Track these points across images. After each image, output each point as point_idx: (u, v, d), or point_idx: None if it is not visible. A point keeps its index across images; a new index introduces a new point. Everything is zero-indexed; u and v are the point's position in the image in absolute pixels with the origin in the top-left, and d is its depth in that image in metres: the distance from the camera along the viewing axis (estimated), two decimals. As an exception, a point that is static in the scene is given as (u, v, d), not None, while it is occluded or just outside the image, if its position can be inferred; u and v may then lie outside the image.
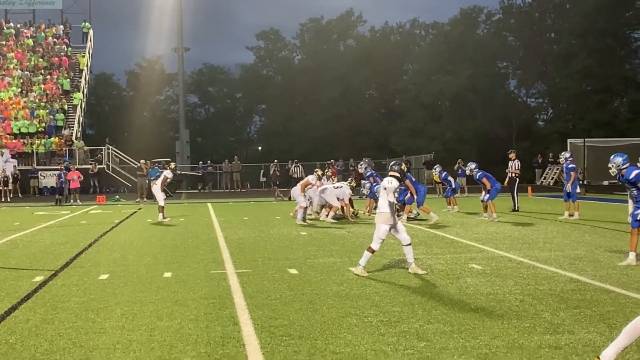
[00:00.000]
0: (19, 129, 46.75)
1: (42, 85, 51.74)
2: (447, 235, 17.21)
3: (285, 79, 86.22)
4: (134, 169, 43.42)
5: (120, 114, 79.84)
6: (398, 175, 11.78)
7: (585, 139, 46.05)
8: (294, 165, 41.36)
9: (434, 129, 72.61)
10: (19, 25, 59.92)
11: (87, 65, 57.14)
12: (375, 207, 12.97)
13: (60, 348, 7.08)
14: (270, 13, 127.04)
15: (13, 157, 43.78)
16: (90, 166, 43.85)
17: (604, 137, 51.69)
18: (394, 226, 11.40)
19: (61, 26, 60.77)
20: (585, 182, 39.95)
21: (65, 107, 50.51)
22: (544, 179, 49.30)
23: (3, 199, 38.78)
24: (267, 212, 26.79)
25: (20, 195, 41.46)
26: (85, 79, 55.99)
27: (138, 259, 13.55)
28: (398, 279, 10.85)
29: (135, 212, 28.64)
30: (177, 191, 45.33)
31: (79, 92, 53.04)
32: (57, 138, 46.57)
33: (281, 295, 9.61)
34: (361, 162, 24.86)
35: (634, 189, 12.05)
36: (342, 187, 22.90)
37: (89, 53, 58.75)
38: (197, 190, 49.38)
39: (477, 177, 22.79)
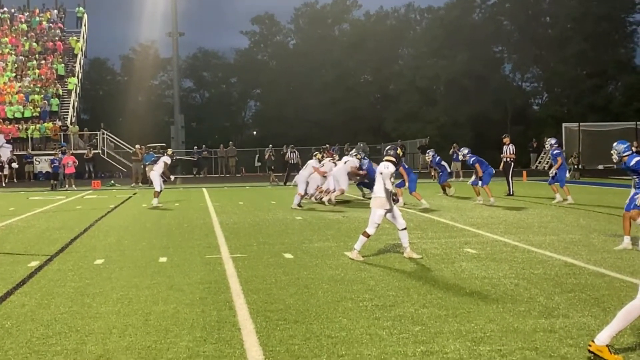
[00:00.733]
0: (14, 114, 46.62)
1: (37, 70, 51.59)
2: (441, 219, 17.23)
3: (280, 63, 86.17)
4: (129, 154, 43.39)
5: (115, 99, 79.79)
6: (394, 159, 11.61)
7: (580, 123, 46.13)
8: (289, 150, 41.21)
9: (429, 113, 72.61)
10: (13, 10, 59.68)
11: (81, 50, 56.94)
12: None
13: (56, 333, 7.09)
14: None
15: (8, 142, 43.69)
16: (85, 151, 43.78)
17: (598, 122, 51.79)
18: (390, 210, 11.41)
19: (55, 11, 60.53)
20: (580, 167, 40.02)
21: (60, 92, 50.34)
22: (539, 163, 49.34)
23: (-1, 184, 38.74)
24: (262, 197, 26.81)
25: (15, 180, 41.40)
26: (79, 64, 55.80)
27: (133, 244, 13.56)
28: (393, 263, 10.87)
29: (130, 197, 28.64)
30: (172, 177, 45.27)
31: (73, 77, 52.86)
32: (51, 123, 46.47)
33: (276, 280, 9.63)
34: (353, 150, 24.67)
35: (635, 176, 12.04)
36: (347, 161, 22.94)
37: (83, 38, 58.53)
38: (192, 175, 49.32)
39: (470, 163, 22.81)
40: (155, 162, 38.05)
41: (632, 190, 12.15)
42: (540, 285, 9.01)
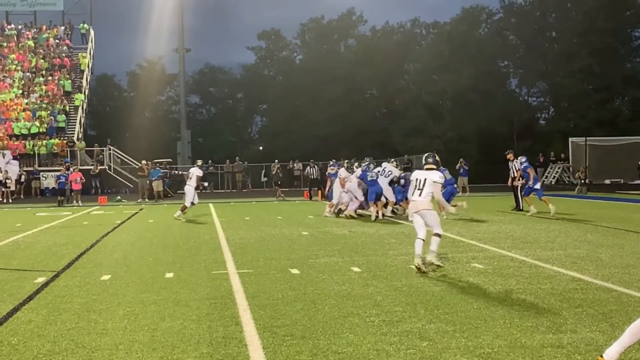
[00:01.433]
0: (20, 130, 46.77)
1: (44, 87, 51.83)
2: (448, 234, 17.19)
3: (286, 79, 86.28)
4: (135, 170, 43.44)
5: (122, 115, 79.91)
6: (435, 167, 12.26)
7: (587, 138, 46.06)
8: (310, 166, 41.09)
9: (435, 128, 72.60)
10: (20, 27, 60.07)
11: (88, 66, 57.24)
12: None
13: (63, 349, 7.08)
14: (271, 13, 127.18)
15: (15, 158, 43.84)
16: (91, 167, 43.90)
17: (605, 136, 51.75)
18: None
19: (62, 27, 60.86)
20: (587, 181, 39.97)
21: (67, 108, 50.56)
22: (546, 177, 49.27)
23: (5, 200, 38.83)
24: (268, 212, 26.80)
25: (22, 196, 41.53)
26: (86, 80, 56.09)
27: (140, 260, 13.55)
28: (400, 278, 10.84)
29: (136, 212, 28.65)
30: (178, 191, 45.36)
31: (80, 93, 53.10)
32: (58, 139, 46.61)
33: (283, 295, 9.61)
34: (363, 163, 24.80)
35: None
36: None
37: (90, 54, 58.82)
38: (199, 191, 49.34)
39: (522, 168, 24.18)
40: (162, 177, 38.31)
41: None
42: (548, 301, 8.98)
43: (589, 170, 43.35)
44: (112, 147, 48.09)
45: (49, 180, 43.28)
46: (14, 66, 53.83)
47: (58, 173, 37.44)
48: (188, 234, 18.79)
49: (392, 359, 6.52)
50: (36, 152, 45.39)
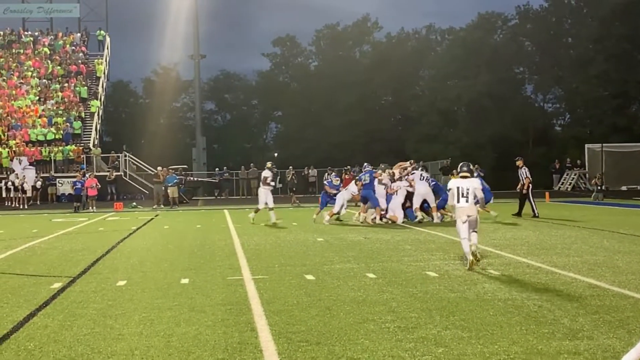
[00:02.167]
0: (37, 137, 47.01)
1: (60, 93, 52.08)
2: (464, 240, 17.13)
3: (301, 85, 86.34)
4: (150, 176, 43.57)
5: (137, 121, 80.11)
6: (469, 175, 13.40)
7: (603, 144, 45.89)
8: (327, 173, 41.06)
9: (450, 135, 72.49)
10: (36, 34, 60.44)
11: (104, 73, 57.52)
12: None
13: (79, 354, 7.10)
14: (286, 19, 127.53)
15: (31, 164, 44.06)
16: (107, 173, 44.07)
17: (622, 142, 51.53)
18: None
19: (78, 34, 61.19)
20: (603, 188, 39.81)
21: (83, 114, 50.79)
22: (562, 184, 49.11)
23: (21, 206, 39.03)
24: (283, 219, 26.79)
25: (38, 202, 41.74)
26: (102, 87, 56.36)
27: (155, 266, 13.58)
28: (415, 285, 10.81)
29: (152, 218, 28.71)
30: (193, 198, 45.46)
31: (96, 99, 53.35)
32: (74, 146, 46.83)
33: (298, 301, 9.60)
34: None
35: None
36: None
37: (105, 61, 59.10)
38: (214, 197, 49.46)
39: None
40: (177, 183, 38.41)
41: None
42: (564, 307, 8.93)
43: (605, 177, 43.16)
44: (127, 154, 48.27)
45: (65, 187, 43.46)
46: (30, 73, 54.14)
47: (74, 179, 37.59)
48: (203, 240, 18.81)
49: (408, 365, 6.51)
50: (52, 158, 45.61)
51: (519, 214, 25.26)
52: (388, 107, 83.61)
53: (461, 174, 13.44)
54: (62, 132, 47.57)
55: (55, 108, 50.35)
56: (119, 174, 45.75)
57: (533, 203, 25.56)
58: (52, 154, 45.68)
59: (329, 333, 7.78)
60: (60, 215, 32.06)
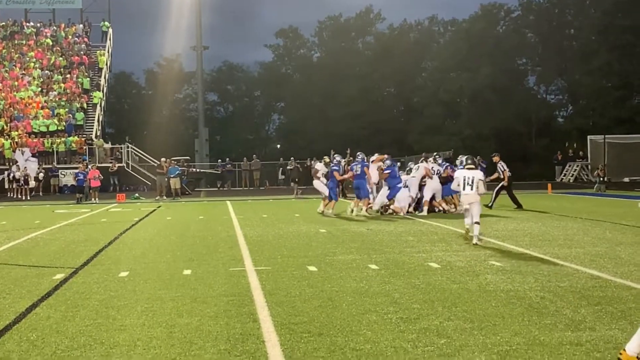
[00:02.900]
0: (39, 128, 47.00)
1: (62, 84, 52.05)
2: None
3: (303, 76, 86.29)
4: (153, 167, 43.56)
5: (140, 113, 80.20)
6: (474, 166, 15.81)
7: (606, 136, 45.83)
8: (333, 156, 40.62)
9: (453, 126, 72.45)
10: (39, 25, 60.38)
11: (106, 64, 57.48)
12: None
13: (81, 345, 7.11)
14: (288, 11, 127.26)
15: (34, 155, 44.07)
16: (109, 164, 44.09)
17: (624, 134, 51.47)
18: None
19: (81, 25, 61.13)
20: (605, 179, 39.77)
21: (85, 105, 50.79)
22: (564, 175, 49.06)
23: (24, 198, 39.06)
24: (286, 210, 26.82)
25: (41, 193, 41.75)
26: (104, 78, 56.32)
27: (158, 257, 13.59)
28: (417, 276, 10.81)
29: (154, 210, 28.72)
30: (196, 189, 45.48)
31: (98, 91, 53.34)
32: (77, 137, 46.83)
33: (300, 293, 9.60)
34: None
35: None
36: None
37: (108, 52, 59.07)
38: (216, 188, 49.48)
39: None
40: (180, 175, 38.41)
41: None
42: (567, 298, 8.93)
43: (607, 168, 43.10)
44: (130, 145, 48.28)
45: (67, 178, 43.43)
46: (32, 64, 54.11)
47: (76, 170, 37.57)
48: (206, 231, 18.83)
49: (410, 356, 6.51)
50: (55, 149, 45.60)
51: (519, 206, 25.22)
52: (391, 98, 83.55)
53: (467, 166, 15.84)
54: (64, 123, 47.55)
55: (57, 99, 50.32)
56: (121, 165, 45.75)
57: (497, 195, 25.68)
58: (55, 145, 45.67)
59: (331, 324, 7.79)
60: (63, 206, 32.07)
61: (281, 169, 51.10)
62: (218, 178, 51.30)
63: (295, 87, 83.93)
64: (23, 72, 53.13)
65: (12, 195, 40.13)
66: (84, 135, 47.79)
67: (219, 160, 53.31)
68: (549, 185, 38.29)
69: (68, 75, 53.38)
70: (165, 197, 36.74)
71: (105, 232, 18.89)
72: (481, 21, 74.54)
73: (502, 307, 8.48)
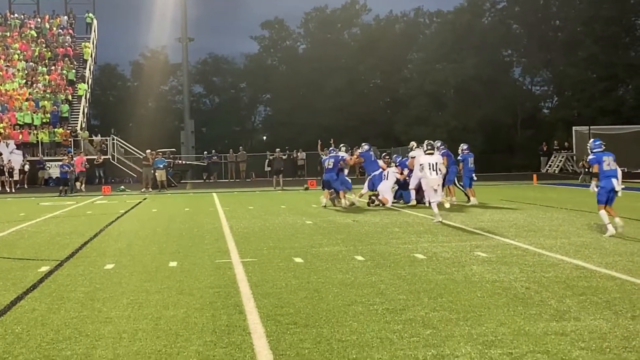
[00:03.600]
0: (24, 120, 46.78)
1: (47, 76, 51.79)
2: (452, 223, 17.19)
3: (289, 68, 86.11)
4: (139, 159, 43.49)
5: (125, 105, 79.86)
6: (433, 152, 18.18)
7: (591, 127, 46.01)
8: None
9: (439, 118, 72.40)
10: (23, 16, 59.99)
11: (91, 56, 57.23)
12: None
13: (67, 337, 7.09)
14: (274, 2, 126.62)
15: (18, 147, 43.88)
16: (95, 157, 43.95)
17: (609, 125, 51.67)
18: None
19: (65, 17, 60.84)
20: (590, 170, 39.87)
21: (70, 97, 50.57)
22: (549, 166, 49.26)
23: (9, 190, 38.89)
24: (272, 202, 26.81)
25: (26, 186, 41.58)
26: (89, 70, 56.09)
27: (144, 249, 13.57)
28: (403, 267, 10.83)
29: (140, 202, 28.67)
30: (182, 181, 45.41)
31: (83, 82, 53.11)
32: (62, 129, 46.65)
33: (287, 284, 9.61)
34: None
35: None
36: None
37: (93, 44, 58.82)
38: (202, 180, 49.42)
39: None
40: (167, 167, 38.37)
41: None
42: (552, 289, 8.97)
43: (592, 159, 43.23)
44: (115, 137, 48.15)
45: (53, 170, 43.25)
46: (17, 56, 53.80)
47: (61, 163, 37.41)
48: (192, 223, 18.81)
49: (396, 347, 6.52)
50: (39, 141, 45.41)
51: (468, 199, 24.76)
52: (377, 90, 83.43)
53: (427, 152, 18.15)
54: (49, 115, 47.33)
55: (42, 91, 50.08)
56: (107, 157, 45.62)
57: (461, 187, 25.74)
58: (39, 137, 45.47)
59: (317, 315, 7.80)
60: (48, 199, 31.96)
61: (267, 160, 51.04)
62: (204, 170, 51.25)
63: (281, 79, 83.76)
64: (7, 64, 52.81)
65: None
66: (69, 128, 47.62)
67: (205, 152, 53.25)
68: (535, 176, 38.43)
69: (53, 67, 53.12)
70: (151, 189, 36.68)
71: (91, 225, 18.85)
72: (467, 12, 74.42)
73: (487, 298, 8.51)
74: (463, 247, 12.84)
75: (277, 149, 43.55)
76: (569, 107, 70.63)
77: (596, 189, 14.87)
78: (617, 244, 12.95)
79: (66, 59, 54.53)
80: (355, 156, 24.83)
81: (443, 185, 23.54)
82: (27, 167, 42.09)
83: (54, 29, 58.73)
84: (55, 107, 48.09)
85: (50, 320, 7.81)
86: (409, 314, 7.80)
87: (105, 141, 47.59)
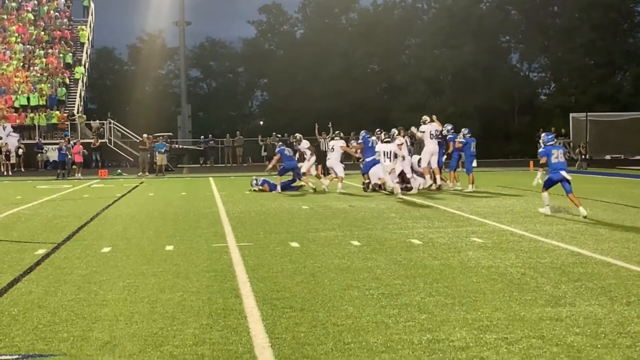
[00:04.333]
0: (20, 103, 46.72)
1: (44, 59, 51.64)
2: (448, 209, 17.21)
3: (287, 53, 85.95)
4: (136, 143, 43.44)
5: (122, 89, 79.75)
6: (390, 140, 21.94)
7: (588, 113, 46.01)
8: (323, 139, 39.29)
9: (436, 104, 72.23)
10: (20, -1, 59.76)
11: (88, 39, 56.99)
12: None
13: (63, 320, 7.10)
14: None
15: (15, 130, 43.84)
16: (92, 140, 43.89)
17: (606, 112, 51.69)
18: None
19: (62, 0, 60.56)
20: (587, 157, 39.97)
21: (67, 81, 50.49)
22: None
23: (5, 173, 38.87)
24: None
25: (22, 169, 41.54)
26: (86, 53, 55.88)
27: (140, 232, 13.58)
28: (399, 252, 10.85)
29: (137, 186, 28.67)
30: (178, 165, 45.39)
31: (80, 66, 52.97)
32: (59, 112, 46.59)
33: (282, 268, 9.63)
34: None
35: None
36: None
37: (90, 27, 58.57)
38: (199, 165, 49.41)
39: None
40: (167, 151, 38.38)
41: None
42: (547, 274, 8.99)
43: (589, 146, 43.34)
44: (112, 121, 48.08)
45: (50, 153, 43.20)
46: (14, 39, 53.62)
47: (58, 146, 37.39)
48: (188, 207, 18.82)
49: (391, 331, 6.54)
50: (36, 124, 45.34)
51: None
52: (374, 76, 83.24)
53: (384, 140, 21.81)
54: (46, 98, 47.25)
55: (39, 74, 49.96)
56: (103, 141, 45.59)
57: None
58: (36, 120, 45.40)
59: (313, 299, 7.81)
60: (45, 182, 31.95)
61: (263, 145, 50.96)
62: (201, 154, 51.21)
63: (278, 64, 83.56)
64: (4, 46, 52.65)
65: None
66: (67, 111, 47.54)
67: (202, 137, 53.18)
68: (531, 163, 38.41)
69: (50, 50, 52.98)
70: (147, 174, 36.67)
71: (88, 208, 18.85)
72: (465, -2, 74.35)
73: (483, 283, 8.54)
74: (459, 233, 12.86)
75: (274, 133, 43.52)
76: (567, 94, 70.69)
77: (541, 182, 16.29)
78: (613, 230, 12.98)
79: (63, 42, 54.35)
80: (356, 147, 24.93)
81: (455, 170, 23.67)
82: (20, 151, 41.98)
83: (51, 11, 58.45)
84: (52, 90, 47.98)
85: (47, 303, 7.82)
86: (404, 298, 7.81)
87: (102, 125, 47.52)
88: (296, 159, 24.93)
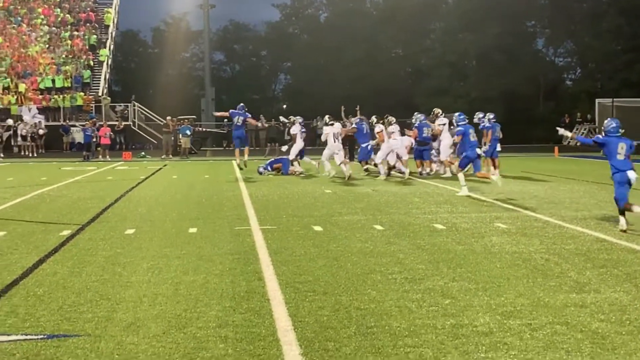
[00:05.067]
0: (45, 85, 46.96)
1: (69, 41, 51.84)
2: (472, 194, 17.12)
3: (310, 37, 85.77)
4: (159, 126, 43.55)
5: (146, 71, 79.96)
6: (334, 122, 22.79)
7: (614, 99, 45.60)
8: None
9: (460, 88, 71.92)
10: (46, -19, 59.97)
11: (113, 22, 57.15)
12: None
13: (88, 300, 7.15)
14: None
15: (40, 112, 44.09)
16: (116, 122, 44.07)
17: (632, 97, 51.19)
18: None
19: (88, -18, 60.75)
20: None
21: (92, 63, 50.67)
22: (571, 139, 48.89)
23: (30, 155, 39.13)
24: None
25: (44, 150, 41.72)
26: (111, 36, 56.04)
27: (164, 215, 13.62)
28: (422, 237, 10.82)
29: (160, 168, 28.78)
30: (201, 148, 45.48)
31: (105, 48, 53.14)
32: (83, 94, 46.81)
33: (306, 252, 9.63)
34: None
35: None
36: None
37: (115, 9, 58.70)
38: (222, 148, 49.45)
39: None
40: (191, 134, 38.51)
41: None
42: (572, 261, 8.94)
43: (615, 132, 42.93)
44: (136, 104, 48.22)
45: (76, 135, 43.38)
46: (40, 20, 53.85)
47: (84, 127, 37.58)
48: (211, 190, 18.86)
49: (415, 316, 6.53)
50: (61, 106, 45.56)
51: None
52: (398, 60, 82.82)
53: (329, 123, 22.78)
54: (71, 80, 47.48)
55: (64, 56, 50.18)
56: (127, 123, 45.75)
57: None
58: (60, 101, 45.61)
59: (336, 283, 7.81)
60: (69, 163, 32.12)
61: (286, 129, 50.87)
62: (224, 137, 51.22)
63: (302, 48, 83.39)
64: (30, 28, 52.90)
65: (18, 152, 40.17)
66: (92, 94, 47.75)
67: (225, 120, 53.21)
68: (556, 149, 38.23)
69: (75, 32, 53.17)
70: (171, 156, 36.79)
71: (112, 190, 18.95)
72: (491, -19, 73.76)
73: (506, 269, 8.50)
74: (483, 218, 12.80)
75: (294, 116, 43.42)
76: (593, 79, 70.08)
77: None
78: (638, 217, 12.87)
79: (88, 24, 54.54)
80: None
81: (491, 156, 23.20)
82: (41, 132, 42.06)
83: (77, -6, 58.68)
84: (77, 72, 48.18)
85: (71, 284, 7.87)
86: (427, 283, 7.80)
87: (126, 108, 47.69)
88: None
